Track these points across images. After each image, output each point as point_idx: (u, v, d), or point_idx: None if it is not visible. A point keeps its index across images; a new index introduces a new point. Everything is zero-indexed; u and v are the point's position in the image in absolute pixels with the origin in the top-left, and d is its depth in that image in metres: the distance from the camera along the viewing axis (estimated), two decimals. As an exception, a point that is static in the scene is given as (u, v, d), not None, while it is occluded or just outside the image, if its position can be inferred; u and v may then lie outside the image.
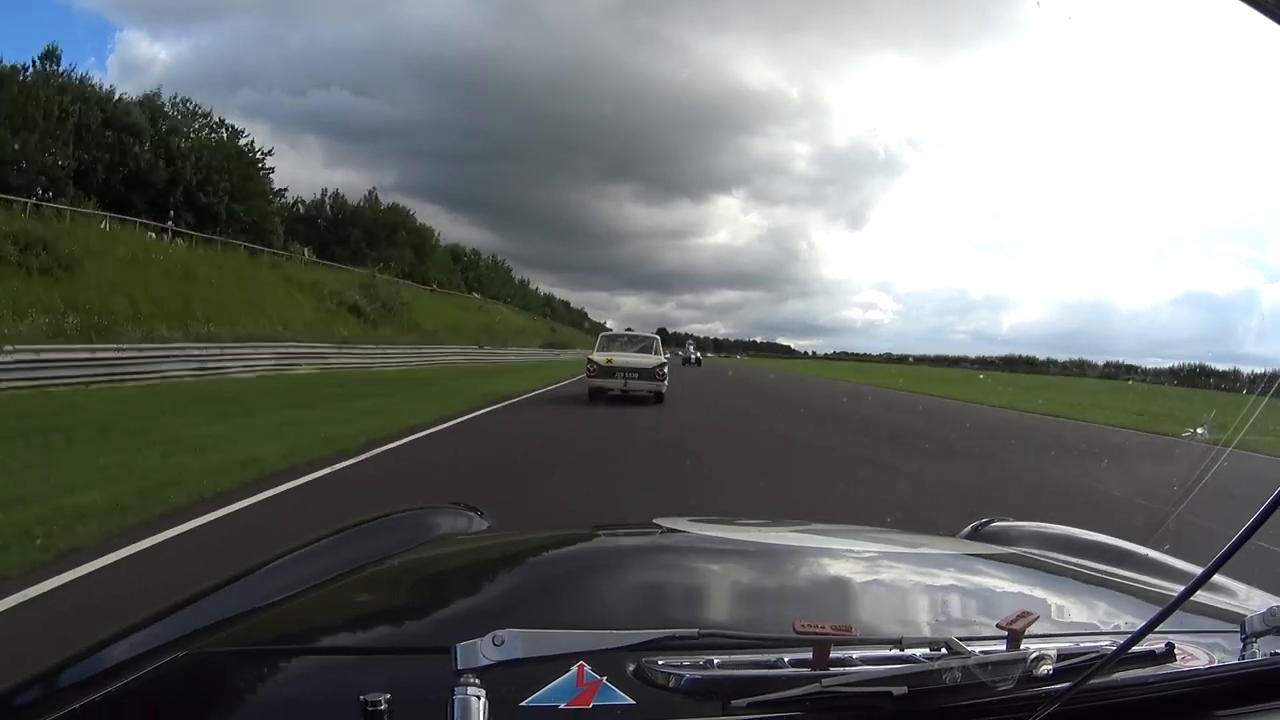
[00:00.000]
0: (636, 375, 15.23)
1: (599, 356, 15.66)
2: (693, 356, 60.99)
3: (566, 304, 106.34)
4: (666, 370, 15.72)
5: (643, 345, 17.16)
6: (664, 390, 15.39)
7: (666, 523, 1.30)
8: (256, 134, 35.84)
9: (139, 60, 62.02)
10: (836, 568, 1.20)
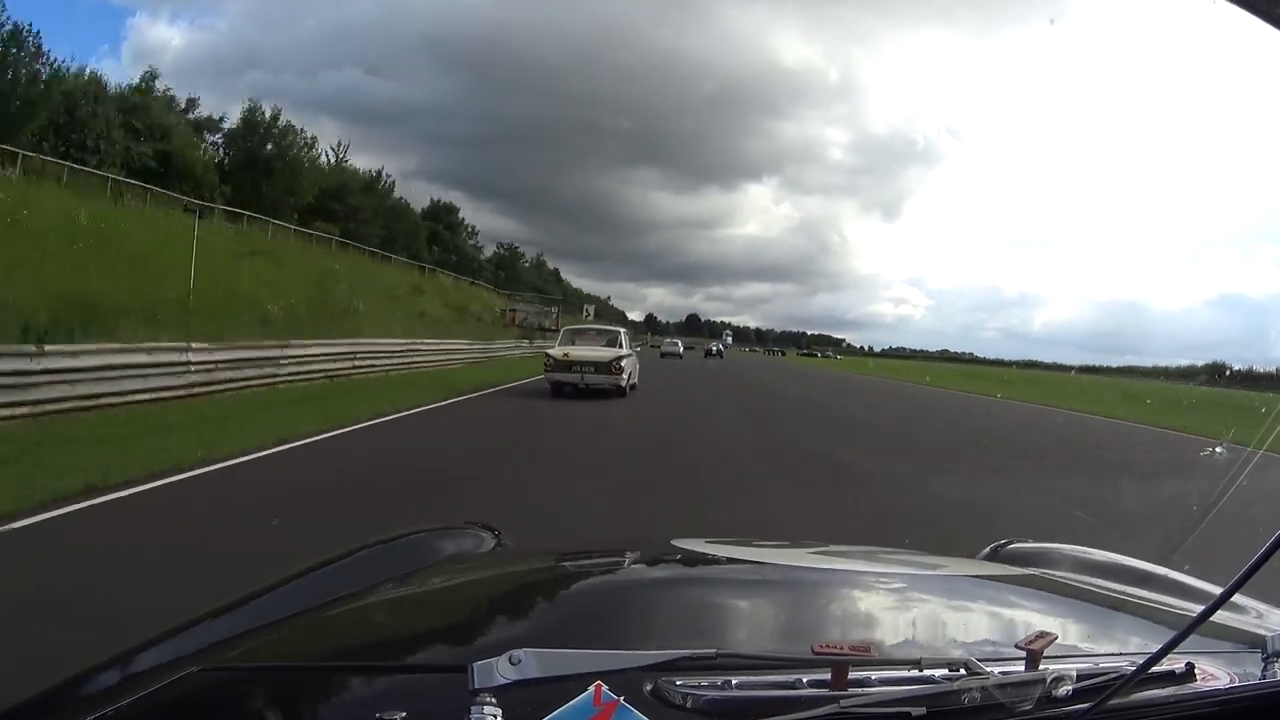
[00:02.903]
0: (594, 369, 14.34)
1: (556, 351, 15.01)
2: (714, 348, 57.17)
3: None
4: (626, 364, 14.86)
5: (608, 338, 16.33)
6: (624, 384, 14.53)
7: (684, 543, 1.30)
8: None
9: (151, 46, 61.13)
10: (855, 588, 1.19)
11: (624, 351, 15.33)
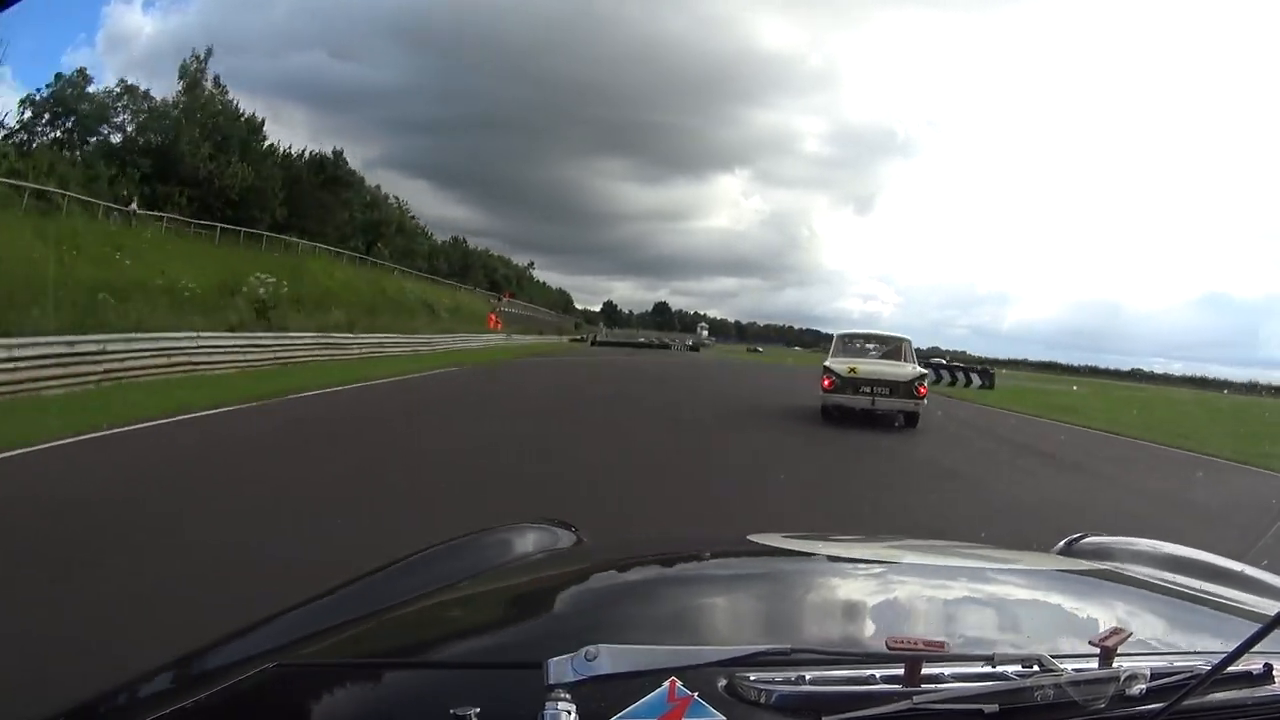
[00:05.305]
0: (888, 391, 11.16)
1: (839, 364, 11.47)
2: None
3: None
4: (927, 385, 11.53)
5: (890, 348, 12.47)
6: (920, 411, 11.31)
7: (759, 539, 1.30)
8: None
9: (125, 34, 60.68)
10: (929, 583, 1.18)
11: (923, 370, 12.14)
